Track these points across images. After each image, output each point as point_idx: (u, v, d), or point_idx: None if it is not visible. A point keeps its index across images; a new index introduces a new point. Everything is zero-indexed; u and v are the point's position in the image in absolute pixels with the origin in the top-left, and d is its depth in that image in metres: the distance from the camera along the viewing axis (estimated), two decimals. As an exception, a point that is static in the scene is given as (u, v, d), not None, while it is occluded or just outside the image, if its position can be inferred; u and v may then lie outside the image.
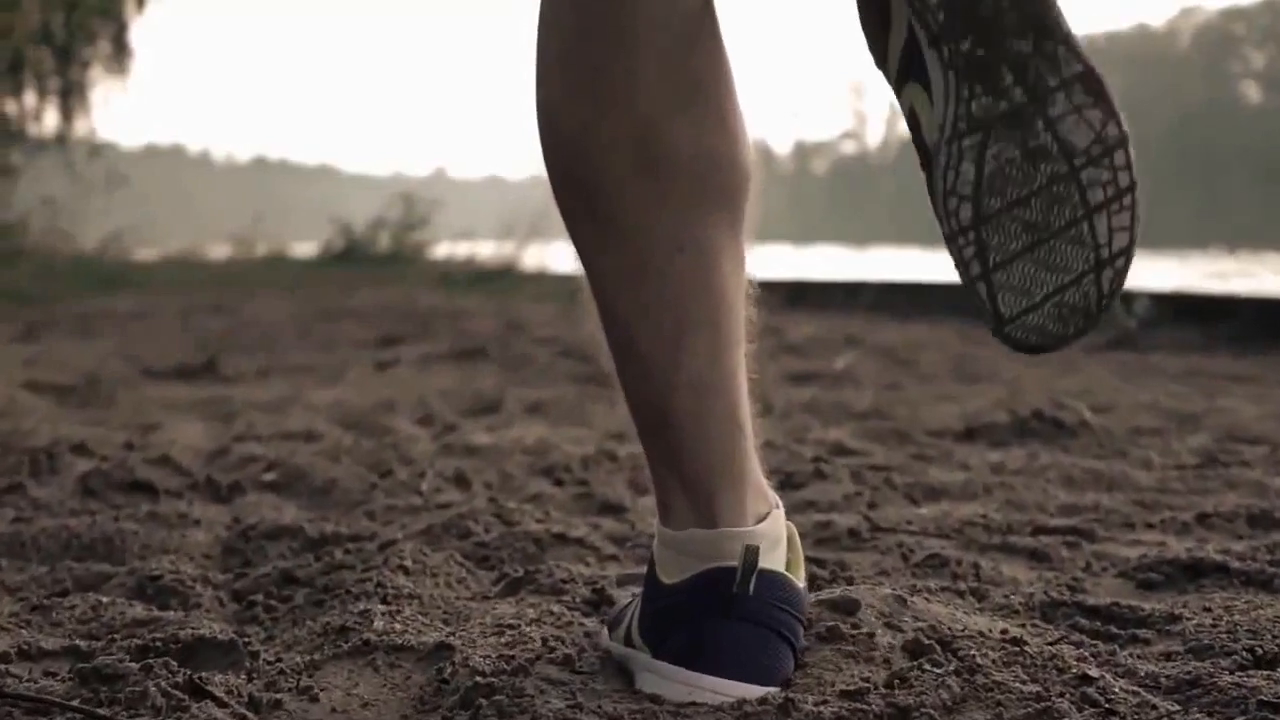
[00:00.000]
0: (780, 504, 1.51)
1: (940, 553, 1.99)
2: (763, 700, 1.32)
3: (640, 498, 2.50)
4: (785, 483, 2.58)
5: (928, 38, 1.35)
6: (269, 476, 2.66)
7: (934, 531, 2.16)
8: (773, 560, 1.44)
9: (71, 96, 19.43)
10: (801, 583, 1.48)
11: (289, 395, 4.71)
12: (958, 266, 1.37)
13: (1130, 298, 7.22)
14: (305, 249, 17.07)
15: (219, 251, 17.15)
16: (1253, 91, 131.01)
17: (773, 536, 1.46)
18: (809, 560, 1.91)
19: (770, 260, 13.31)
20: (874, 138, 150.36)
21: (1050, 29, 1.35)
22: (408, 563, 1.83)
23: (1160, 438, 3.29)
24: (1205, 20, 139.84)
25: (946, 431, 3.32)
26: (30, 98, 19.42)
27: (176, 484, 2.58)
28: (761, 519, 1.46)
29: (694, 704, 1.36)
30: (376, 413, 4.00)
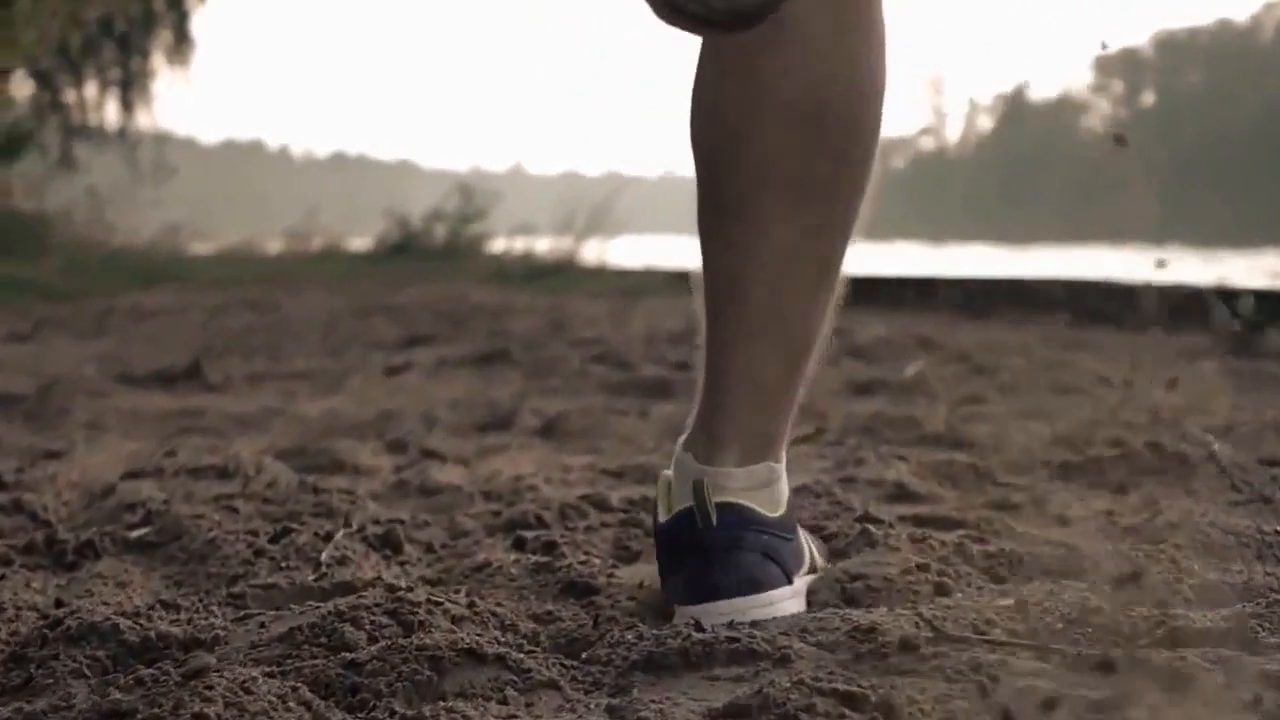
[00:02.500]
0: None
1: (1037, 683, 1.33)
2: None
3: (623, 569, 1.84)
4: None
5: None
6: (138, 533, 2.01)
7: (1027, 639, 1.49)
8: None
9: (132, 88, 19.10)
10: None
11: (275, 406, 4.11)
12: None
13: (1233, 296, 6.52)
14: (367, 243, 16.55)
15: (275, 246, 16.68)
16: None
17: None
18: (831, 694, 1.27)
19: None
20: (952, 134, 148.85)
21: None
22: (215, 708, 1.18)
23: (1307, 474, 2.60)
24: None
25: (1037, 466, 2.65)
26: (91, 89, 19.12)
27: (7, 545, 1.94)
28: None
29: None
30: (347, 432, 3.40)
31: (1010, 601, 1.62)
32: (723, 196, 1.58)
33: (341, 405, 4.15)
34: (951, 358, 5.34)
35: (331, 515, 2.11)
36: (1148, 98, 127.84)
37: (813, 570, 1.71)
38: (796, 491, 2.29)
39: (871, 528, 1.91)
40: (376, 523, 2.07)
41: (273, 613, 1.56)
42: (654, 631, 1.48)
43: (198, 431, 3.62)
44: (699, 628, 1.46)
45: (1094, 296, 7.80)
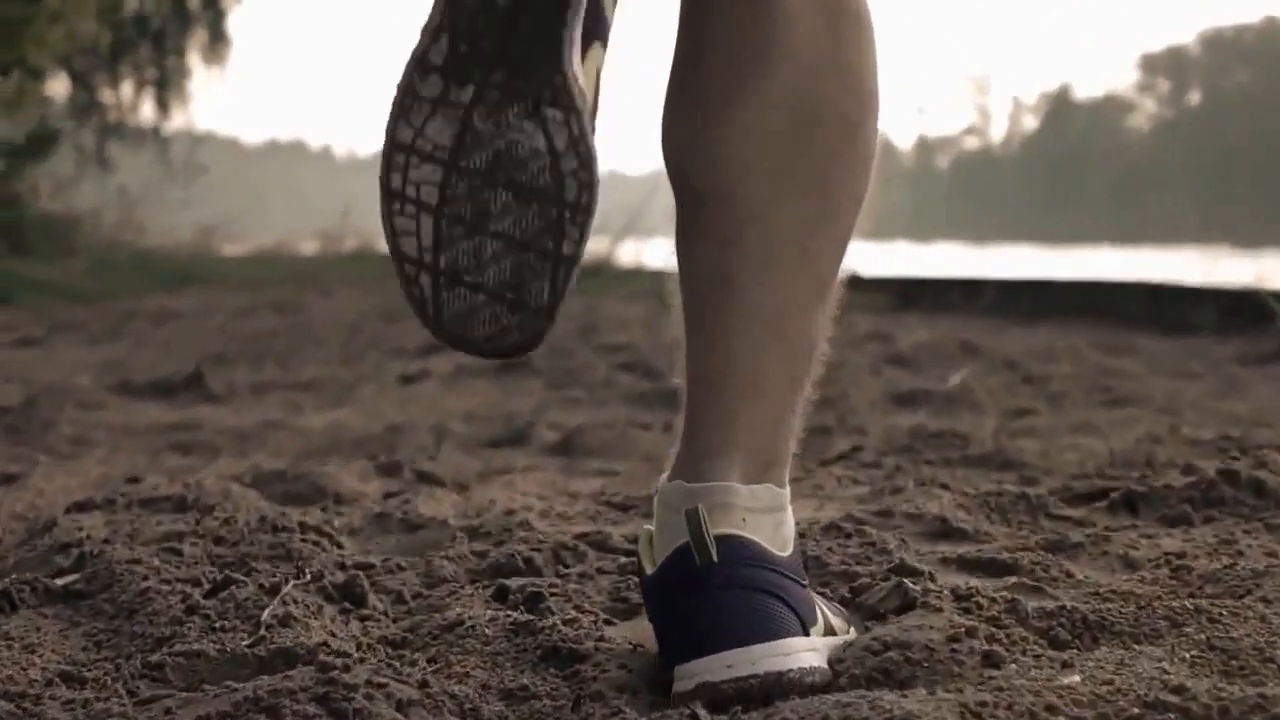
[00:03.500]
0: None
1: (1112, 802, 1.06)
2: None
3: (616, 626, 1.58)
4: (848, 603, 1.66)
5: None
6: (65, 581, 1.75)
7: (1096, 733, 1.22)
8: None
9: (168, 87, 19.03)
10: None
11: (276, 419, 3.88)
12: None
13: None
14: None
15: (309, 247, 16.50)
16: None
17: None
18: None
19: (885, 257, 12.39)
20: (997, 133, 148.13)
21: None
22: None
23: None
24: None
25: (1096, 495, 2.36)
26: (127, 89, 19.03)
27: (-92, 596, 1.69)
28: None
29: None
30: (347, 449, 3.16)
31: (1075, 679, 1.35)
32: (704, 184, 1.45)
33: (348, 418, 3.92)
34: (997, 365, 5.07)
35: (289, 559, 1.84)
36: (1194, 96, 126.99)
37: (830, 633, 1.45)
38: (825, 530, 2.03)
39: (909, 582, 1.63)
40: (342, 567, 1.81)
41: (184, 694, 1.30)
42: (644, 718, 1.22)
43: (185, 449, 3.39)
44: (695, 718, 1.20)
45: (1142, 298, 7.53)
